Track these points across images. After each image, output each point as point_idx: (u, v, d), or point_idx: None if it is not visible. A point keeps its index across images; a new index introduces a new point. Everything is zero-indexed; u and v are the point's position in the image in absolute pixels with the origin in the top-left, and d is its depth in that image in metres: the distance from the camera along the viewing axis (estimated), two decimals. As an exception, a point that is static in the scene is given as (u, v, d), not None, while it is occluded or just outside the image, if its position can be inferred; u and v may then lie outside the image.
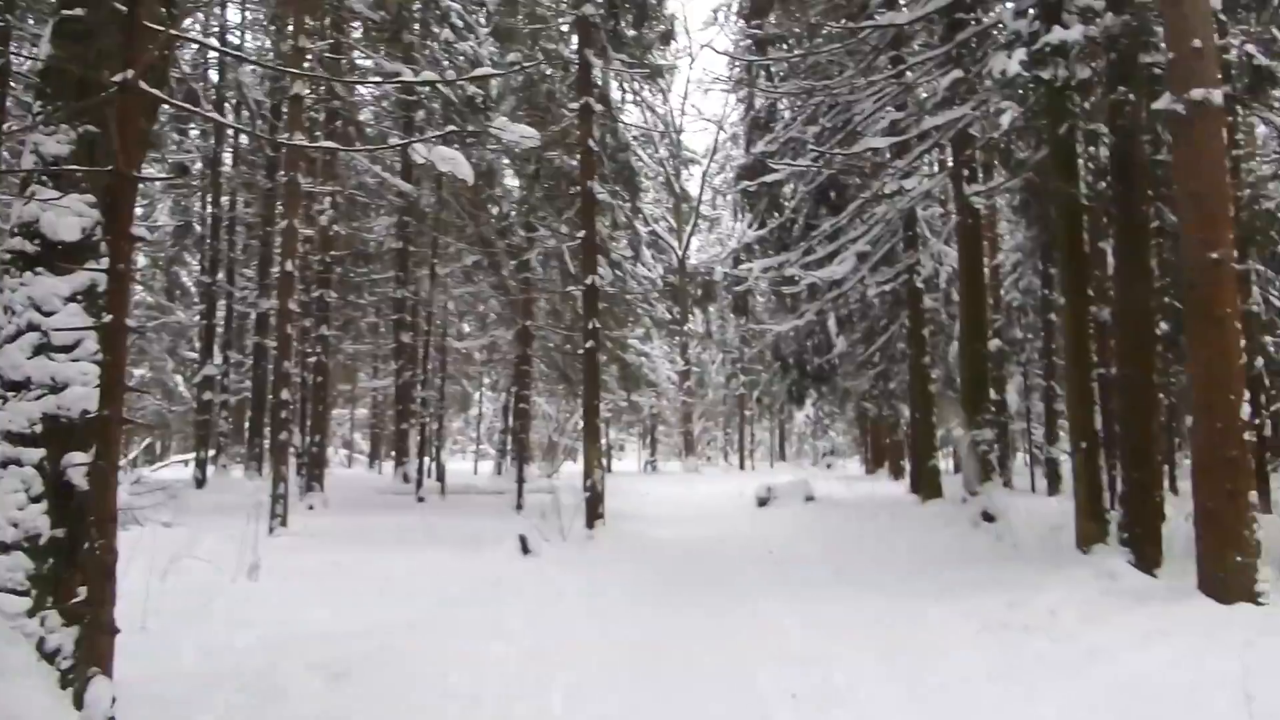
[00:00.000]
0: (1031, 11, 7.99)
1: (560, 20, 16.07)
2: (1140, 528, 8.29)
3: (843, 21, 13.11)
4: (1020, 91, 8.00)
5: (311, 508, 15.46)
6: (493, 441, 37.87)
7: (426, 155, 4.13)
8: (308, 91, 14.43)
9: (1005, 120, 8.22)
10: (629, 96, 24.54)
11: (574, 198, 15.33)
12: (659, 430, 48.07)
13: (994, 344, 22.46)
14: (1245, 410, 6.46)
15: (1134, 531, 8.33)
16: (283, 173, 14.56)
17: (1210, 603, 6.54)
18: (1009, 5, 8.90)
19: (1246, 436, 6.54)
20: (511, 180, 21.27)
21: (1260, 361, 16.89)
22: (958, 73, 9.29)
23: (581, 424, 19.32)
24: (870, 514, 16.36)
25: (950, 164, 13.56)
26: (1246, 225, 15.53)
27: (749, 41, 18.90)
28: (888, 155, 15.54)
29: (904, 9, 14.73)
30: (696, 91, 71.45)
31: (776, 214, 19.47)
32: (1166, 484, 13.26)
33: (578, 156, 14.83)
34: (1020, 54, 7.72)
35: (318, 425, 18.55)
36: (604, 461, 42.76)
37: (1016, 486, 22.80)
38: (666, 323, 31.00)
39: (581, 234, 14.29)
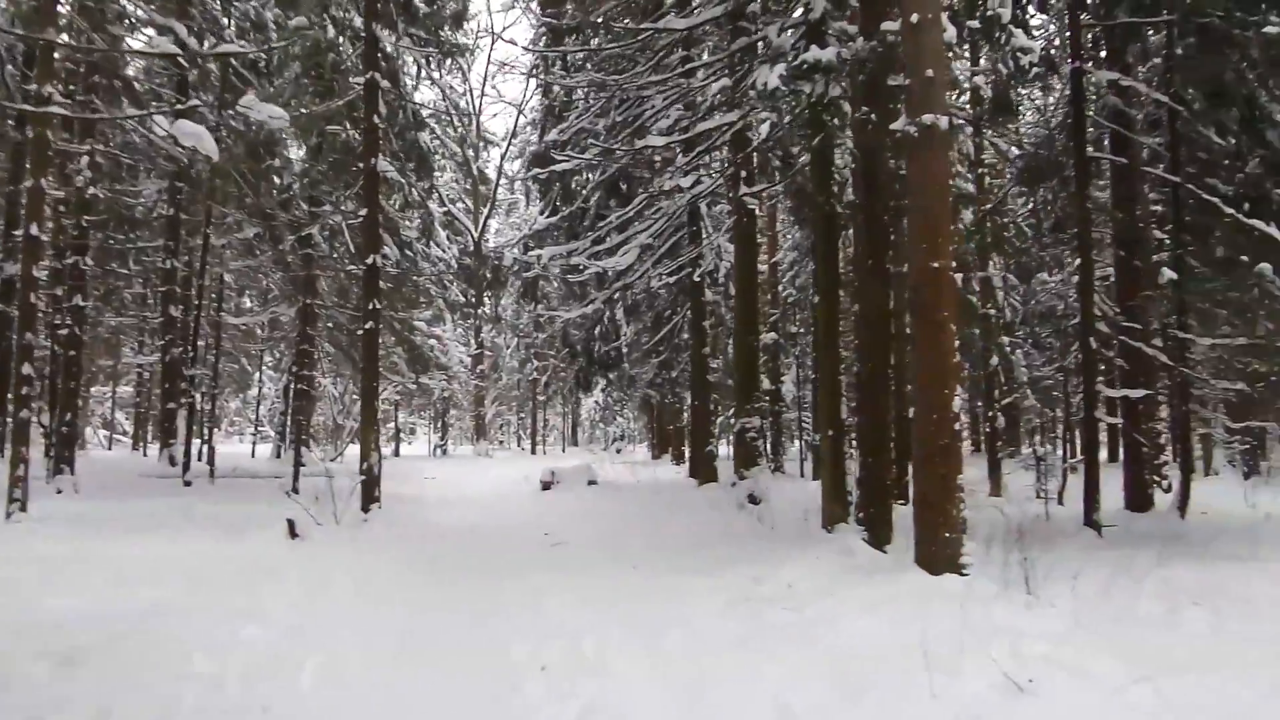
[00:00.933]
0: (795, 31, 8.61)
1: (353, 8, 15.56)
2: (875, 509, 9.16)
3: (626, 21, 13.55)
4: (781, 104, 8.61)
5: (60, 491, 14.37)
6: (273, 423, 36.19)
7: (168, 129, 4.00)
8: (64, 39, 13.26)
9: (764, 129, 8.80)
10: (424, 73, 24.12)
11: (360, 174, 14.93)
12: (451, 414, 47.47)
13: (770, 337, 23.82)
14: (957, 403, 7.30)
15: (869, 512, 9.19)
16: (30, 127, 13.31)
17: (924, 574, 7.35)
18: (776, 22, 9.54)
19: (957, 427, 7.38)
20: (300, 151, 20.41)
21: (995, 360, 18.88)
22: (726, 81, 9.84)
23: (365, 406, 18.76)
24: (648, 497, 17.02)
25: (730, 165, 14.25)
26: (992, 235, 17.33)
27: (545, 30, 19.02)
28: (678, 151, 16.15)
29: (696, 11, 15.35)
30: (498, 73, 70.38)
31: (568, 202, 19.75)
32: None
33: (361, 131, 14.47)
34: (781, 69, 8.32)
35: (68, 403, 17.12)
36: (389, 444, 41.69)
37: (788, 471, 24.32)
38: (460, 305, 30.67)
39: (364, 212, 13.97)
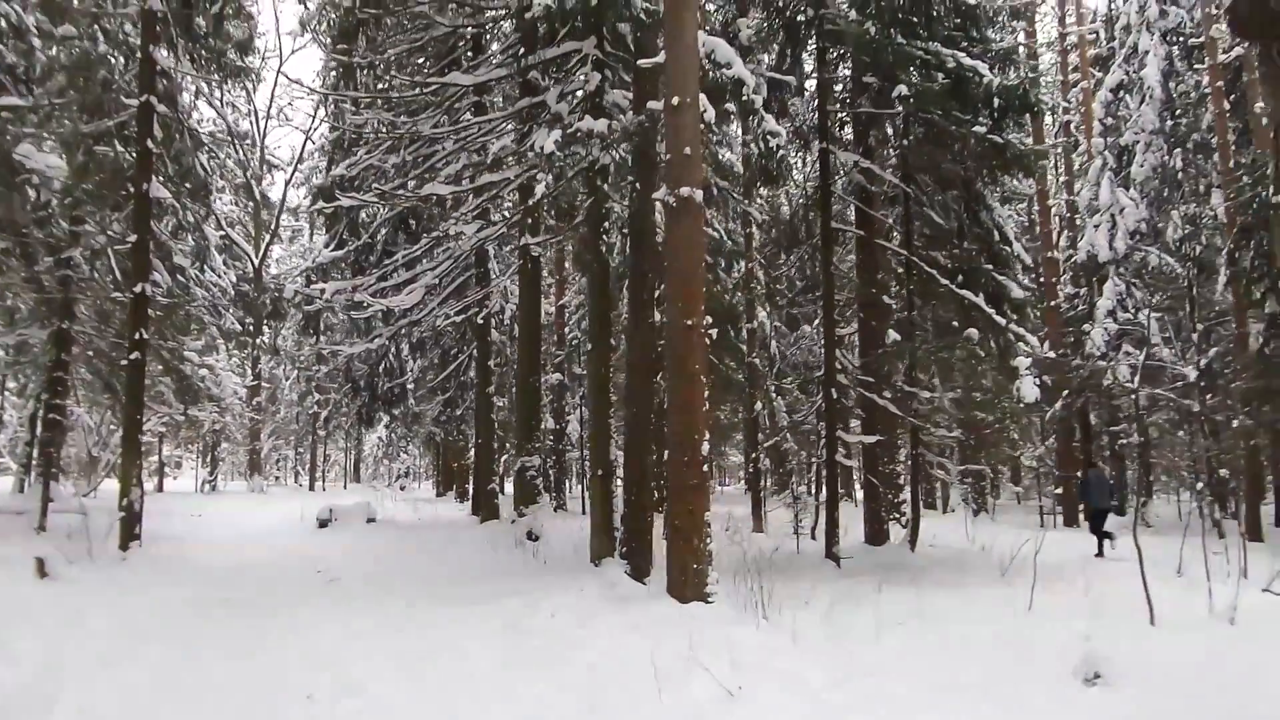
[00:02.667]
0: (573, 98, 9.35)
1: (123, 9, 15.00)
2: (636, 543, 9.88)
3: (420, 61, 13.90)
4: (556, 167, 9.30)
5: None
6: (16, 454, 33.01)
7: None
8: None
9: (540, 190, 9.46)
10: (205, 95, 23.24)
11: (131, 197, 14.34)
12: (222, 448, 44.90)
13: (555, 377, 24.51)
14: (705, 448, 8.14)
15: (631, 547, 9.91)
16: None
17: (673, 602, 8.08)
18: (557, 88, 10.28)
19: (706, 469, 8.21)
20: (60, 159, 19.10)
21: (759, 405, 20.36)
22: (508, 141, 10.46)
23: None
24: (428, 534, 17.09)
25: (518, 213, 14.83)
26: (766, 288, 18.84)
27: (336, 65, 18.96)
28: (469, 193, 16.52)
29: (494, 58, 15.88)
30: (287, 97, 67.84)
31: (355, 236, 19.65)
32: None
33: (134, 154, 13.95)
34: (557, 134, 9.02)
35: None
36: (152, 479, 38.92)
37: (570, 508, 24.93)
38: (236, 334, 29.37)
39: (133, 238, 13.46)
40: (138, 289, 13.20)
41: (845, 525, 15.87)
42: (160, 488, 38.18)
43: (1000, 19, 15.20)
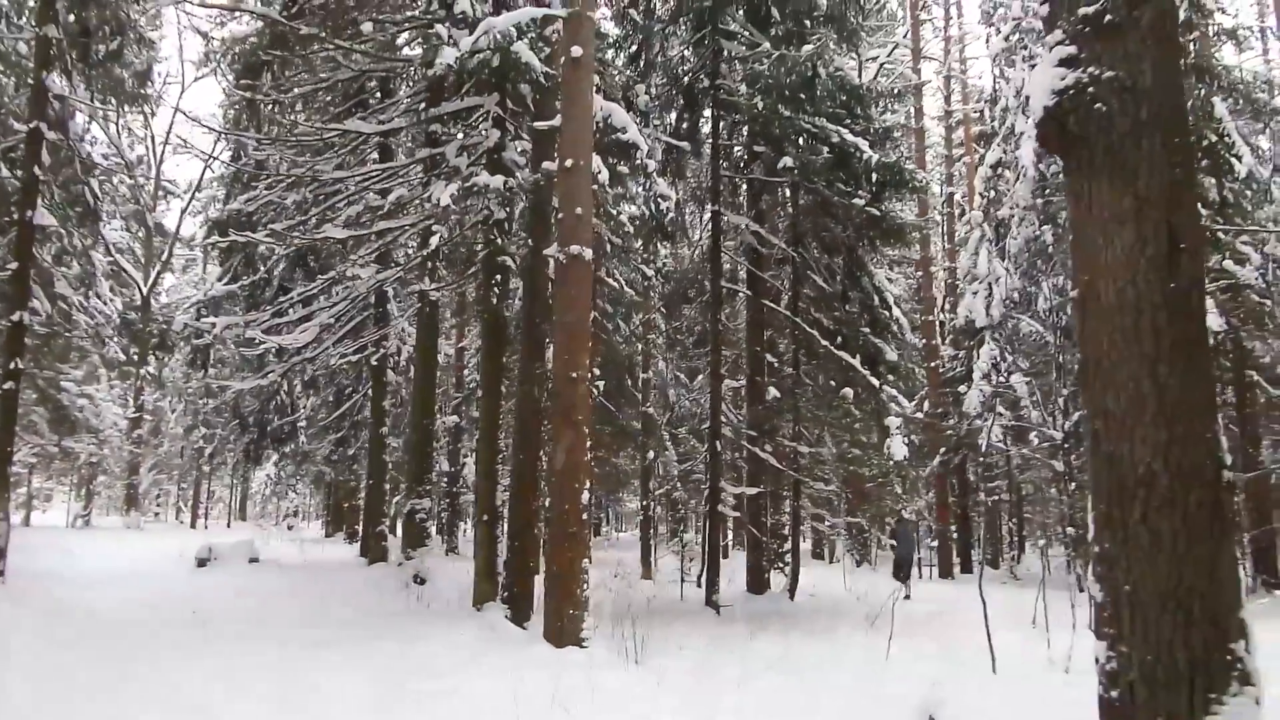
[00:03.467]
0: (472, 152, 9.66)
1: (17, 36, 14.71)
2: (518, 588, 10.05)
3: (327, 99, 14.05)
4: (453, 219, 9.57)
5: None
6: None
7: None
8: None
9: (435, 241, 9.71)
10: (100, 116, 22.71)
11: (13, 225, 13.95)
12: (98, 481, 42.91)
13: (452, 419, 24.45)
14: (585, 496, 8.42)
15: (513, 591, 10.07)
16: None
17: (549, 646, 8.29)
18: (457, 141, 10.58)
19: (585, 516, 8.49)
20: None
21: (651, 454, 20.74)
22: (402, 191, 10.70)
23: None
24: (313, 575, 16.78)
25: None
26: (666, 339, 19.28)
27: (240, 98, 18.84)
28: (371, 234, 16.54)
29: (402, 102, 16.06)
30: (188, 122, 66.01)
31: (250, 271, 19.39)
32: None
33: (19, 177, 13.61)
34: (454, 188, 9.30)
35: None
36: (19, 512, 36.95)
37: (463, 551, 24.74)
38: (119, 364, 28.39)
39: (14, 265, 13.10)
40: (15, 317, 12.82)
41: (730, 574, 16.30)
42: (28, 521, 36.32)
43: (883, 100, 16.16)
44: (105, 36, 15.06)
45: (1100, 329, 4.11)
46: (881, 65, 28.90)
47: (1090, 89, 4.17)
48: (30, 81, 13.76)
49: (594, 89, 9.27)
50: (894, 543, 17.97)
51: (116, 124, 29.26)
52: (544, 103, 10.32)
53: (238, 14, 14.72)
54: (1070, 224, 4.48)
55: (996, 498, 27.87)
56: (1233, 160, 17.88)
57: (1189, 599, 3.58)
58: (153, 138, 37.72)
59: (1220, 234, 17.80)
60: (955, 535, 26.55)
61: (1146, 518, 3.74)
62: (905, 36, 28.14)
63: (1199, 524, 3.69)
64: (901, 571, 16.96)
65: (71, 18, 14.35)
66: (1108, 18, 4.18)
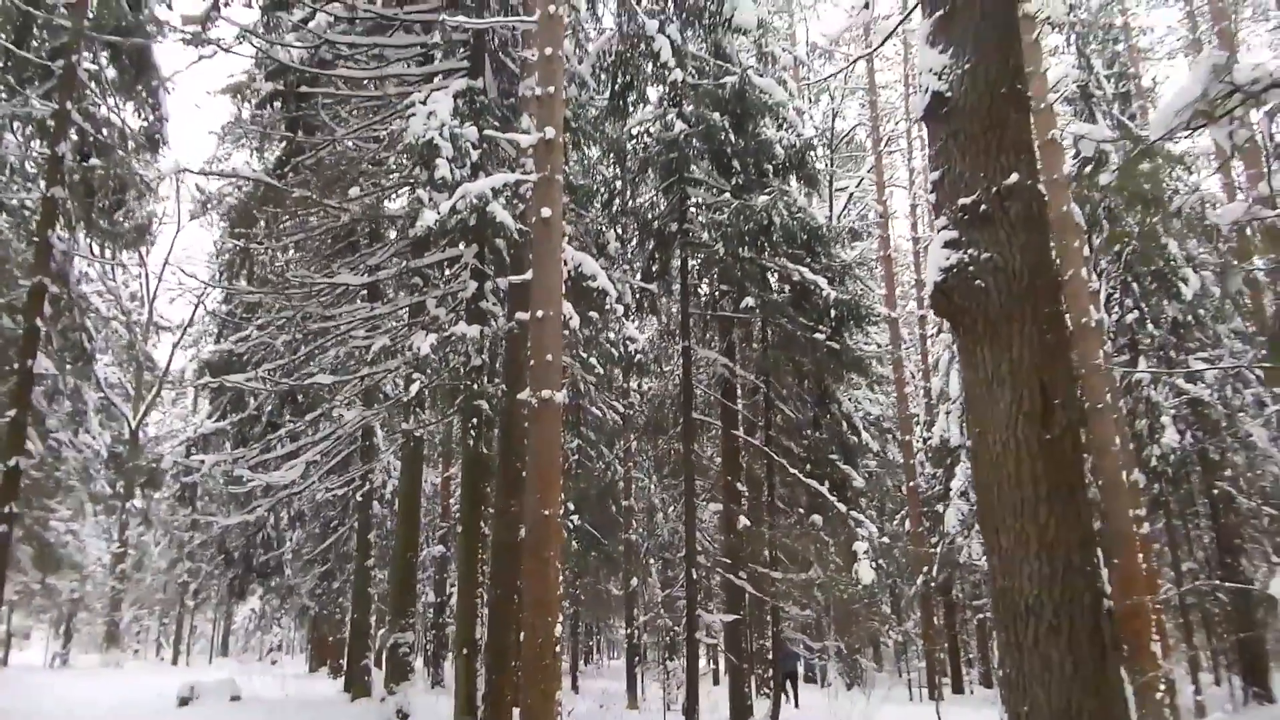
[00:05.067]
0: (451, 301, 10.37)
1: (25, 195, 15.63)
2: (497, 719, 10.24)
3: (324, 241, 14.95)
4: (432, 366, 10.20)
5: None
6: None
7: None
8: None
9: (415, 388, 10.31)
10: (95, 266, 23.57)
11: (14, 373, 14.54)
12: (79, 617, 42.21)
13: (438, 550, 24.60)
14: (558, 630, 8.76)
15: (491, 724, 10.25)
16: None
17: (524, 780, 8.48)
18: (437, 292, 11.34)
19: (558, 649, 8.80)
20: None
21: (634, 580, 20.88)
22: (385, 340, 11.38)
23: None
24: (295, 713, 16.71)
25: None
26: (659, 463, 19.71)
27: (233, 244, 19.80)
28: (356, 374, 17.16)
29: (390, 247, 16.94)
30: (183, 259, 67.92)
31: (239, 410, 19.93)
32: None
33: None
34: (433, 338, 9.96)
35: None
36: (-3, 657, 36.29)
37: (448, 685, 24.48)
38: (106, 498, 28.56)
39: (12, 413, 13.62)
40: (11, 463, 13.27)
41: (715, 700, 16.30)
42: (5, 660, 35.65)
43: (848, 234, 17.13)
44: (108, 192, 16.01)
45: (990, 476, 4.66)
46: (851, 196, 30.38)
47: (970, 268, 4.85)
48: (35, 239, 14.54)
49: (564, 241, 10.04)
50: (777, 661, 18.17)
51: (113, 266, 30.27)
52: (519, 254, 11.10)
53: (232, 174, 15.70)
54: (962, 382, 5.10)
55: (984, 616, 27.87)
56: (1179, 284, 18.88)
57: (1079, 717, 4.05)
58: (147, 275, 38.82)
59: (1172, 354, 18.64)
60: (944, 655, 26.44)
61: (1038, 643, 4.23)
62: (869, 170, 29.69)
63: (1083, 649, 4.17)
64: (785, 683, 17.31)
65: (77, 176, 15.31)
66: (982, 208, 4.89)
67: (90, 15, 15.13)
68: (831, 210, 24.95)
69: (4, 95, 15.58)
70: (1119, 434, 14.20)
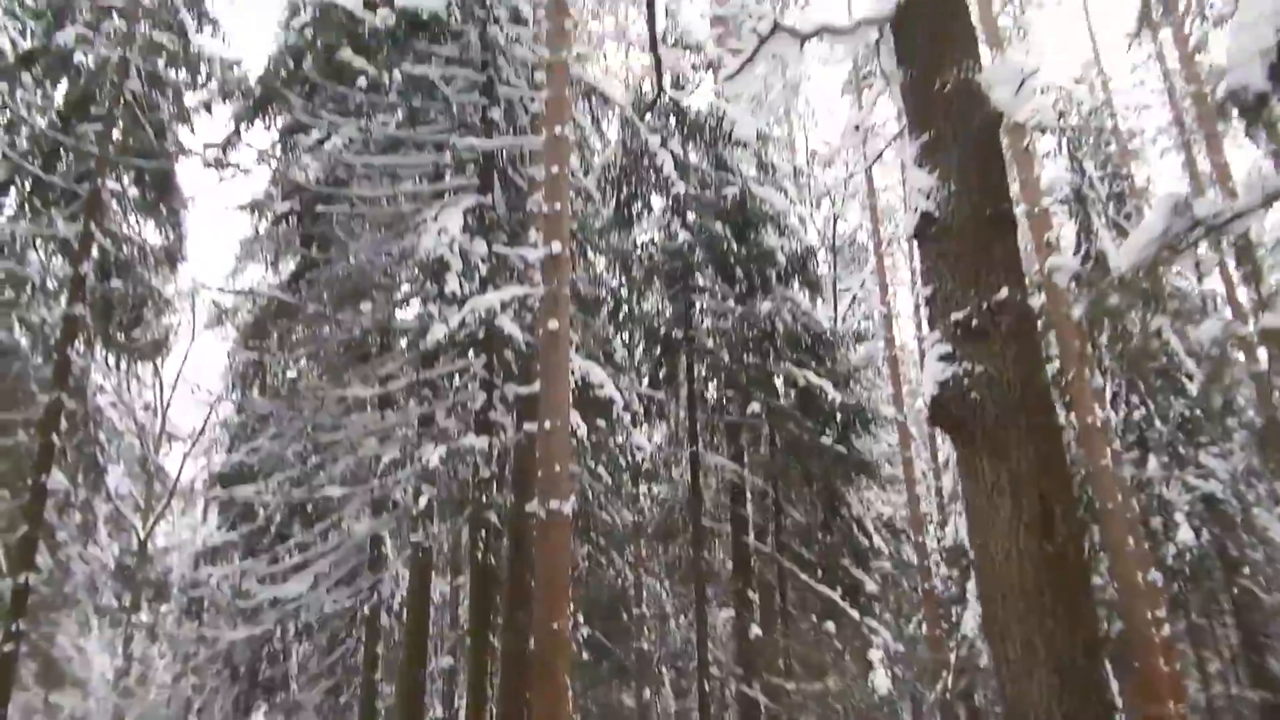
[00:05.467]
0: (460, 412, 10.53)
1: (46, 313, 16.01)
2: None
3: (343, 350, 15.24)
4: (442, 479, 10.30)
5: None
6: None
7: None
8: None
9: (422, 502, 10.39)
10: (110, 372, 23.91)
11: (28, 489, 14.63)
12: (77, 736, 41.11)
13: (446, 661, 24.14)
14: (569, 747, 8.61)
15: None
16: None
17: None
18: (446, 402, 11.51)
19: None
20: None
21: (647, 693, 20.44)
22: (395, 452, 11.50)
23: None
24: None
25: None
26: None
27: (246, 356, 20.12)
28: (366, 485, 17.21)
29: (401, 355, 17.21)
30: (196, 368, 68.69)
31: (249, 521, 19.91)
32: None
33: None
34: (442, 450, 10.08)
35: None
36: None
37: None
38: (112, 610, 28.25)
39: (24, 529, 13.67)
40: (20, 580, 13.25)
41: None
42: (3, 785, 34.55)
43: (851, 336, 17.35)
44: (127, 309, 16.39)
45: (994, 585, 4.69)
46: (855, 297, 30.75)
47: (965, 381, 4.98)
48: (55, 356, 14.82)
49: (571, 350, 10.24)
50: None
51: (128, 377, 30.66)
52: (527, 365, 11.30)
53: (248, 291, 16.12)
54: (963, 491, 5.17)
55: (1008, 723, 26.99)
56: (1183, 380, 18.97)
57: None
58: (161, 386, 39.20)
59: (1181, 450, 18.58)
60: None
61: (1048, 752, 4.22)
62: (871, 271, 30.13)
63: (1094, 761, 4.16)
64: None
65: (97, 294, 15.70)
66: (974, 323, 5.05)
67: (116, 140, 15.77)
68: (836, 312, 25.26)
69: (30, 217, 16.14)
70: (1133, 534, 14.09)
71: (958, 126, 5.47)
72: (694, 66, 16.75)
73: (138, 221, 17.36)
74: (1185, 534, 17.32)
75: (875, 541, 15.98)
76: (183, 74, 16.38)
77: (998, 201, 5.36)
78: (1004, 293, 5.00)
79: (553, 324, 9.57)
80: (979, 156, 5.45)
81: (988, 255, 5.18)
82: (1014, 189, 22.49)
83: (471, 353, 11.50)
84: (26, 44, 16.01)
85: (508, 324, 10.22)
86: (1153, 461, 18.16)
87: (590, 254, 14.02)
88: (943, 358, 5.12)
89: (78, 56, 15.65)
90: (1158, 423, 19.16)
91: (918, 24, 5.86)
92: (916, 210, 5.50)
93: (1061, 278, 4.20)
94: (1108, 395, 18.86)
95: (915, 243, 5.76)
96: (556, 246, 9.81)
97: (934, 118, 5.59)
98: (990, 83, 5.59)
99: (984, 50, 20.89)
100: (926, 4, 5.84)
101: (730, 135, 14.63)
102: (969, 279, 5.16)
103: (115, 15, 15.08)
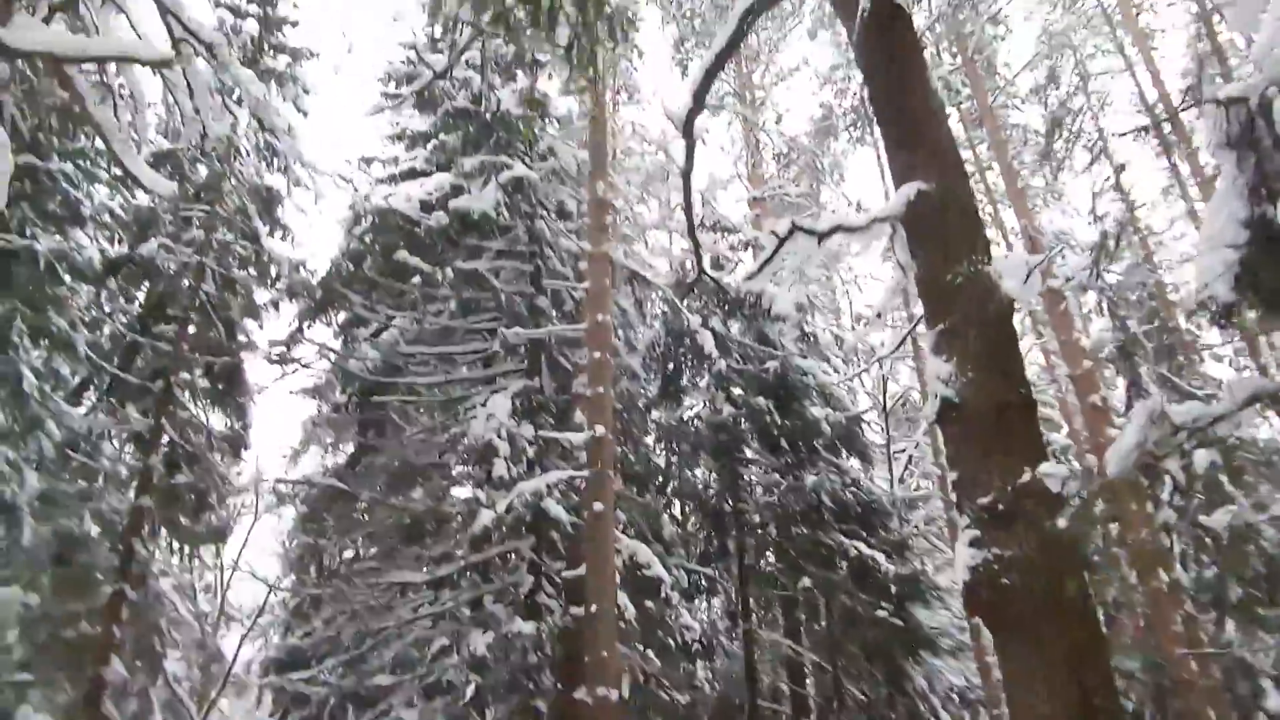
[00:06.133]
0: (508, 596, 10.59)
1: (117, 500, 16.61)
2: None
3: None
4: (489, 667, 10.26)
5: None
6: None
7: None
8: None
9: (470, 690, 10.34)
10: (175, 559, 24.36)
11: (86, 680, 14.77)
12: None
13: None
14: None
15: None
16: None
17: None
18: (493, 586, 11.62)
19: None
20: None
21: None
22: (444, 639, 11.53)
23: None
24: None
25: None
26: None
27: (305, 538, 20.49)
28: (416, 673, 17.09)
29: (452, 538, 17.42)
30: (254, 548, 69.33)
31: (301, 706, 19.70)
32: None
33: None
34: (490, 637, 10.10)
35: None
36: None
37: None
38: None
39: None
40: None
41: None
42: None
43: (899, 508, 17.16)
44: (191, 498, 16.94)
45: (1039, 777, 4.57)
46: (910, 458, 30.42)
47: (995, 566, 5.00)
48: (120, 547, 15.28)
49: (618, 529, 10.35)
50: None
51: (189, 561, 31.14)
52: (574, 546, 11.40)
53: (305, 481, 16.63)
54: (1001, 672, 5.11)
55: None
56: (1255, 535, 18.25)
57: None
58: (221, 568, 39.57)
59: (1260, 610, 17.66)
60: None
61: None
62: (924, 432, 29.93)
63: None
64: None
65: (165, 485, 16.28)
66: (999, 507, 5.12)
67: (190, 333, 16.74)
68: (892, 474, 24.99)
69: (106, 412, 17.01)
70: (1214, 704, 13.34)
71: (971, 316, 5.71)
72: (732, 247, 17.53)
73: (205, 411, 18.18)
74: (1275, 701, 16.23)
75: (944, 717, 15.26)
76: (252, 271, 17.55)
77: (1015, 386, 5.53)
78: (1026, 476, 5.09)
79: (598, 506, 9.75)
80: (994, 343, 5.66)
81: (1008, 440, 5.30)
82: (1054, 352, 22.51)
83: (520, 535, 11.66)
84: (114, 251, 17.34)
85: (553, 507, 10.42)
86: (1230, 623, 17.26)
87: (637, 432, 14.31)
88: (972, 543, 5.17)
89: (158, 260, 16.89)
90: (1232, 581, 18.34)
91: (927, 220, 6.21)
92: (936, 397, 5.68)
93: (1053, 483, 4.27)
94: (1176, 553, 18.18)
95: (939, 428, 5.89)
96: (600, 430, 10.11)
97: (948, 308, 5.85)
98: (1000, 273, 5.88)
99: (1011, 216, 21.26)
100: (934, 201, 6.21)
101: (769, 311, 15.09)
102: (991, 462, 5.26)
103: (195, 224, 16.34)
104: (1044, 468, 4.41)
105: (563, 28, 7.44)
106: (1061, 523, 4.06)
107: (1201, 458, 5.21)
